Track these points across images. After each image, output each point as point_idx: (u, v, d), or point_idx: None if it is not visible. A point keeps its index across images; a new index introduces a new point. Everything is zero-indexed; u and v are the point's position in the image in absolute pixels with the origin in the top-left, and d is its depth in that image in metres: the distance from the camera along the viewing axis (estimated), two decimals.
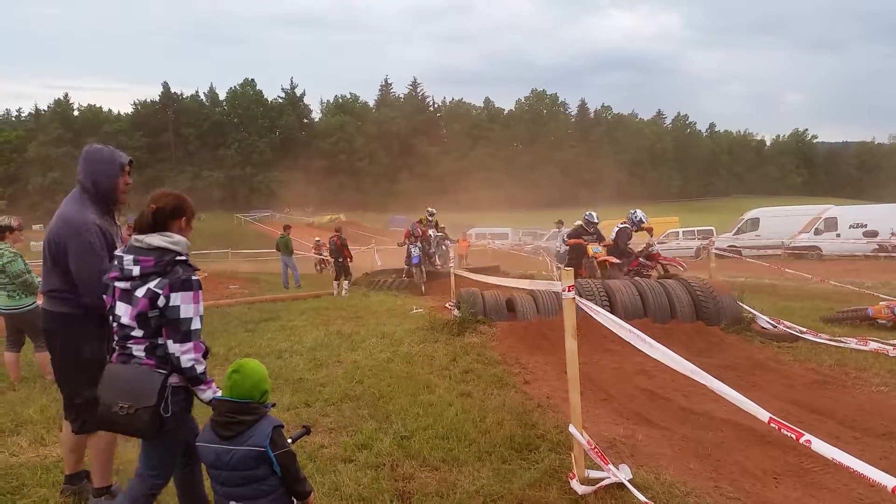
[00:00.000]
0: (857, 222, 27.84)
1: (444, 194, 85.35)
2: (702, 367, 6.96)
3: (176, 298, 2.76)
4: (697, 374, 2.72)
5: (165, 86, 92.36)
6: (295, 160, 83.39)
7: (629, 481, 3.47)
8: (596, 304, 8.28)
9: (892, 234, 26.31)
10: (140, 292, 2.78)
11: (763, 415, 2.38)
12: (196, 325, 2.79)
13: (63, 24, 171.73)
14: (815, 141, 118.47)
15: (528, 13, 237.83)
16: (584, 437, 3.64)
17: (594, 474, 3.60)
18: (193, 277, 2.82)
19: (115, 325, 2.87)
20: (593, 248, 11.88)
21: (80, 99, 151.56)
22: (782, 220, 30.38)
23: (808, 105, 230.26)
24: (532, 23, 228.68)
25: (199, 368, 2.81)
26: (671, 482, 3.67)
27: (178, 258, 2.83)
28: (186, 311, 2.76)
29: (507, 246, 31.61)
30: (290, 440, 2.65)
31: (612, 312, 8.41)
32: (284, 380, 6.50)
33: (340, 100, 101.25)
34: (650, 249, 11.67)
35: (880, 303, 8.90)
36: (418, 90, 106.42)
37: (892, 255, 24.43)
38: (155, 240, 2.82)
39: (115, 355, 2.92)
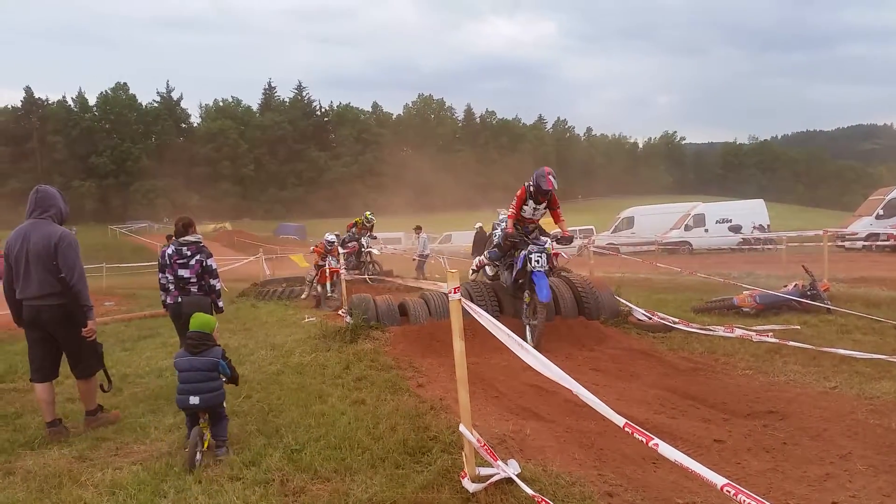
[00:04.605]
0: (723, 218, 30.14)
1: (335, 200, 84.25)
2: (584, 360, 7.29)
3: (210, 261, 6.43)
4: (565, 380, 2.84)
5: (28, 90, 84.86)
6: (174, 167, 79.14)
7: (517, 475, 3.56)
8: (486, 304, 8.50)
9: (754, 227, 28.73)
10: (192, 262, 6.34)
11: (619, 420, 2.52)
12: (217, 270, 6.54)
13: None
14: (683, 142, 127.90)
15: (410, 19, 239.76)
16: (473, 435, 3.70)
17: (484, 471, 3.66)
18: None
19: (176, 279, 6.38)
20: None
21: None
22: (655, 218, 32.36)
23: (676, 108, 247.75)
24: (415, 28, 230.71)
25: (218, 287, 6.49)
26: (557, 473, 3.81)
27: (202, 244, 6.51)
28: (214, 265, 6.50)
29: (399, 250, 31.62)
30: None
31: (500, 312, 8.67)
32: (165, 400, 6.14)
33: (221, 103, 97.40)
34: None
35: (744, 292, 9.54)
36: (304, 94, 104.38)
37: (755, 247, 26.68)
38: (191, 238, 6.43)
39: (176, 293, 6.45)
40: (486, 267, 9.49)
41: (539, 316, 7.65)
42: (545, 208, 8.46)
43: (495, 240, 9.09)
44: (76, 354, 5.32)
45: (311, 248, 16.81)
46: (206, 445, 4.43)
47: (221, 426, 4.53)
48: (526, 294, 8.04)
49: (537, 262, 7.81)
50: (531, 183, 8.18)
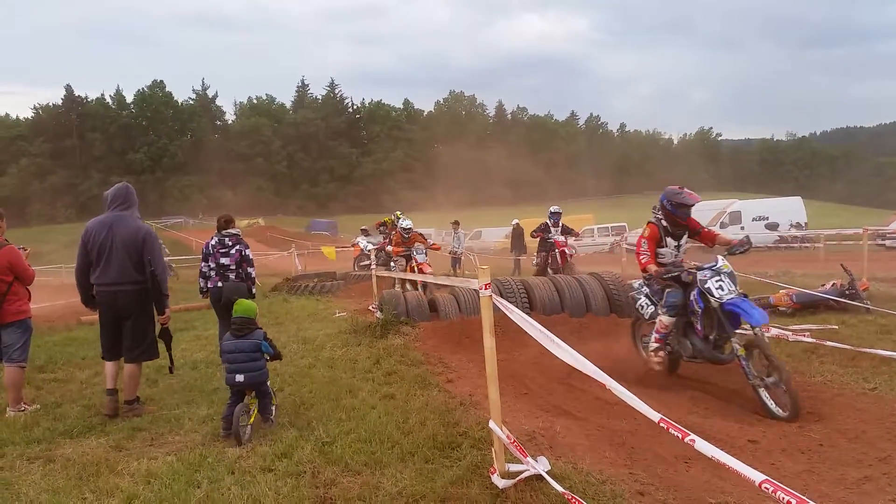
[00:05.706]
0: (760, 215, 29.47)
1: (366, 196, 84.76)
2: (616, 357, 7.21)
3: (248, 251, 7.41)
4: (597, 374, 2.82)
5: (69, 88, 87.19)
6: (209, 163, 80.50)
7: (547, 472, 3.54)
8: (516, 301, 8.47)
9: (792, 225, 28.09)
10: (233, 251, 7.26)
11: (654, 416, 2.49)
12: (252, 260, 7.45)
13: None
14: (719, 138, 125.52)
15: (442, 16, 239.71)
16: (503, 431, 3.69)
17: (514, 468, 3.66)
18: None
19: (218, 266, 7.26)
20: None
21: None
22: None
23: (712, 104, 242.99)
24: (446, 25, 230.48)
25: (254, 275, 7.38)
26: (588, 471, 3.78)
27: (240, 236, 7.49)
28: (250, 255, 7.43)
29: None
30: None
31: (531, 309, 8.63)
32: (200, 391, 6.28)
33: (255, 101, 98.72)
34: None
35: (780, 291, 9.35)
36: (336, 91, 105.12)
37: (793, 245, 26.08)
38: (232, 230, 7.37)
39: (217, 279, 7.25)
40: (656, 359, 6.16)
41: (765, 359, 5.20)
42: (687, 240, 6.33)
43: (641, 308, 6.52)
44: (138, 338, 5.70)
45: (386, 238, 14.73)
46: (251, 420, 4.83)
47: (265, 403, 5.04)
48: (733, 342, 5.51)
49: (719, 288, 5.49)
50: (660, 214, 6.22)
